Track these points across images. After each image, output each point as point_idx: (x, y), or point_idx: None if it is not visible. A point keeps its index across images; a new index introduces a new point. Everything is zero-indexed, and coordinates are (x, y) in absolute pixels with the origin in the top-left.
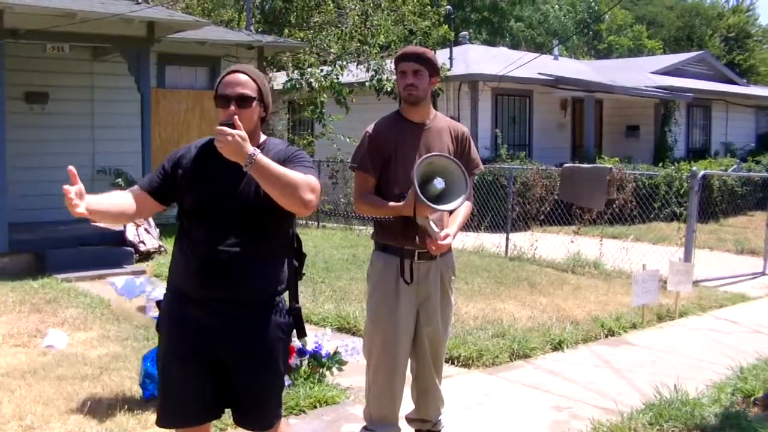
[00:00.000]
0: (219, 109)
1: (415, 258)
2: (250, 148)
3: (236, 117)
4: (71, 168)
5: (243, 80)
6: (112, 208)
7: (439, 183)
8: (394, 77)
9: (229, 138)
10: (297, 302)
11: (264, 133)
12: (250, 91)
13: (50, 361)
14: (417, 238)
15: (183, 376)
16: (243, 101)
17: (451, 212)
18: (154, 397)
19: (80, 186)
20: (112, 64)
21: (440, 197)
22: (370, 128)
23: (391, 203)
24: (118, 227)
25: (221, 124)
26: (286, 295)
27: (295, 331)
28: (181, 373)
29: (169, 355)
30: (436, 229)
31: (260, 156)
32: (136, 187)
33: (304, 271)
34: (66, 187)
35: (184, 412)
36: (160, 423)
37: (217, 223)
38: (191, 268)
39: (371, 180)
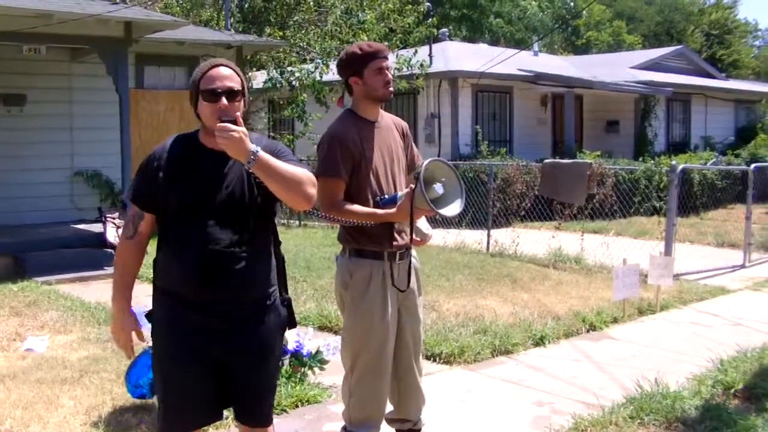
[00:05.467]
0: (206, 103)
1: (397, 259)
2: (252, 146)
3: (238, 114)
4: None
5: (228, 74)
6: (133, 279)
7: (439, 188)
8: None
9: (236, 134)
10: (287, 292)
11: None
12: (236, 84)
13: (30, 364)
14: (397, 238)
15: (186, 382)
16: (232, 95)
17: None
18: (144, 397)
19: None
20: (90, 65)
21: (435, 202)
22: (334, 132)
23: (381, 211)
24: (98, 229)
25: (222, 121)
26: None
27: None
28: (184, 378)
29: (170, 361)
30: (426, 232)
31: (262, 153)
32: (127, 229)
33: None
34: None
35: (188, 416)
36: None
37: (207, 222)
38: (188, 272)
39: (343, 186)
